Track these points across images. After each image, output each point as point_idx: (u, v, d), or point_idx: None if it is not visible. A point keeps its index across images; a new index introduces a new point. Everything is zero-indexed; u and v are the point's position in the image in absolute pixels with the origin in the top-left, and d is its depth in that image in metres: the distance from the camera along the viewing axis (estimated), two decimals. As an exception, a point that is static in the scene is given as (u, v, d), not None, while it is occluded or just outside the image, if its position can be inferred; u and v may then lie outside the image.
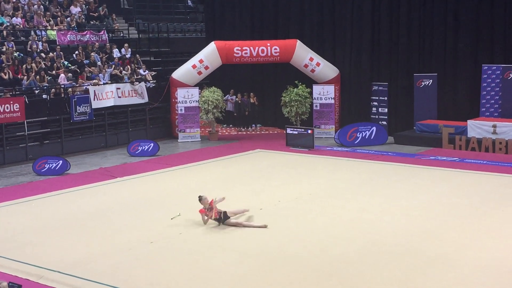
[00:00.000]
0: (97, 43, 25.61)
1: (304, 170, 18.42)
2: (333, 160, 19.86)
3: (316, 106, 24.22)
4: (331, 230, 12.72)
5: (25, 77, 21.76)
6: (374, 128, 22.49)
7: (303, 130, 21.98)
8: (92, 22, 27.30)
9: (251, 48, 24.16)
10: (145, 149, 21.36)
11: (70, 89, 22.17)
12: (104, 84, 23.04)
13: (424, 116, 22.63)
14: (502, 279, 9.98)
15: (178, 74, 24.54)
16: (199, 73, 24.36)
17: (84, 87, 22.43)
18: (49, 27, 25.30)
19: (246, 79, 27.08)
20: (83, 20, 26.73)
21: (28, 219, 14.06)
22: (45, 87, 21.71)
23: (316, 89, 24.18)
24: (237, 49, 24.16)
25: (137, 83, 23.85)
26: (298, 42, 24.38)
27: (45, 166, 18.72)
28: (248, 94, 25.84)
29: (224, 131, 26.18)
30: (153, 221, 13.58)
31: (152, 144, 21.51)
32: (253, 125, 26.28)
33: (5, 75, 21.38)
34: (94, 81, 22.87)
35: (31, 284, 10.28)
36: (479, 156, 19.79)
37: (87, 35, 25.62)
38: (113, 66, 24.48)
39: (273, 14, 26.73)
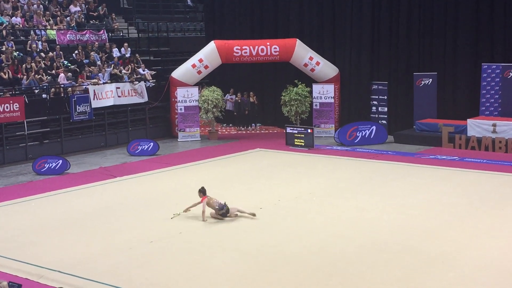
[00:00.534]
0: (96, 43, 25.60)
1: (304, 170, 18.42)
2: (333, 159, 19.86)
3: (316, 105, 24.22)
4: (331, 229, 12.72)
5: (25, 76, 21.75)
6: (374, 127, 22.49)
7: (303, 129, 21.98)
8: (91, 22, 27.29)
9: (251, 47, 24.16)
10: (145, 149, 21.36)
11: (69, 89, 22.17)
12: (103, 83, 23.04)
13: (424, 115, 22.63)
14: (502, 279, 9.99)
15: (178, 73, 24.54)
16: (199, 72, 24.36)
17: (84, 86, 22.42)
18: (48, 27, 25.29)
19: (246, 79, 27.08)
20: (83, 19, 26.72)
21: (28, 218, 14.06)
22: (45, 87, 21.70)
23: (316, 88, 24.17)
24: (236, 49, 24.15)
25: (137, 82, 23.85)
26: (298, 41, 24.37)
27: (45, 165, 18.72)
28: (248, 94, 25.84)
29: (224, 130, 26.18)
30: (153, 221, 13.58)
31: (152, 144, 21.51)
32: (253, 124, 26.27)
33: (5, 75, 21.37)
34: (93, 80, 22.87)
35: (31, 283, 10.28)
36: (479, 155, 19.79)
37: (87, 35, 25.61)
38: (113, 65, 24.47)
39: (272, 14, 26.72)
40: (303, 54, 24.26)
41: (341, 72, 24.79)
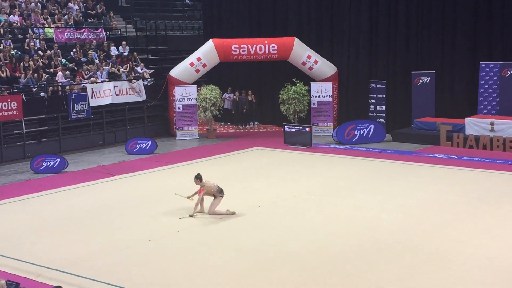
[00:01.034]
0: (94, 41, 25.57)
1: (302, 168, 18.42)
2: (331, 158, 19.86)
3: (314, 103, 24.21)
4: (329, 227, 12.72)
5: (23, 75, 21.71)
6: (372, 125, 22.50)
7: (301, 127, 21.97)
8: (89, 20, 27.25)
9: (249, 45, 24.15)
10: (143, 147, 21.35)
11: (67, 87, 22.14)
12: (101, 82, 23.01)
13: (422, 114, 22.64)
14: (500, 277, 10.00)
15: (176, 72, 24.52)
16: (197, 71, 24.35)
17: (82, 85, 22.40)
18: (46, 25, 25.25)
19: (244, 77, 27.06)
20: (81, 18, 26.69)
21: (26, 217, 14.05)
22: (43, 85, 21.67)
23: (314, 86, 24.17)
24: (235, 47, 24.14)
25: (135, 81, 23.82)
26: (296, 40, 24.37)
27: (43, 164, 18.70)
28: (246, 92, 25.82)
29: (222, 129, 26.16)
30: (151, 219, 13.58)
31: (150, 142, 21.50)
32: (251, 122, 26.26)
33: (3, 73, 21.33)
34: (91, 79, 22.85)
35: (29, 282, 10.27)
36: (477, 153, 19.81)
37: (85, 33, 25.57)
38: (111, 64, 24.44)
39: (271, 12, 26.71)
40: (301, 53, 24.26)
41: (339, 71, 24.79)
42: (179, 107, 24.02)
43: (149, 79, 24.88)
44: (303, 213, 13.76)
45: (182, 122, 24.09)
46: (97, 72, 23.49)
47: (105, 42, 25.90)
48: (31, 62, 22.17)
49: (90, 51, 24.62)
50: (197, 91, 24.24)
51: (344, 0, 24.75)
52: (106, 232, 12.84)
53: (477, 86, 22.00)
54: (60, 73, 22.51)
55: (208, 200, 13.73)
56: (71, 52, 24.52)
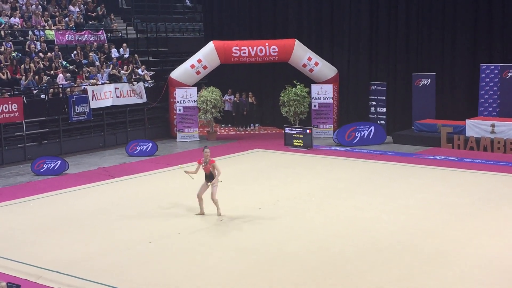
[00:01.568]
0: (95, 43, 25.59)
1: (302, 170, 18.42)
2: (331, 159, 19.87)
3: (314, 105, 24.22)
4: (330, 229, 12.73)
5: (23, 77, 21.73)
6: (373, 127, 22.50)
7: (301, 129, 21.98)
8: (90, 22, 27.28)
9: (250, 47, 24.16)
10: (144, 149, 21.36)
11: (68, 89, 22.16)
12: (102, 84, 23.03)
13: (423, 116, 22.65)
14: (501, 278, 10.00)
15: (177, 74, 24.53)
16: (198, 73, 24.36)
17: (83, 87, 22.42)
18: (47, 27, 25.28)
19: (245, 79, 27.07)
20: (81, 20, 26.72)
21: (27, 219, 14.05)
22: (44, 87, 21.69)
23: (315, 88, 24.18)
24: (235, 49, 24.16)
25: (136, 83, 23.84)
26: (297, 42, 24.38)
27: (44, 166, 18.71)
28: (247, 94, 25.83)
29: (223, 130, 26.16)
30: (151, 221, 13.58)
31: (150, 144, 21.51)
32: (252, 124, 26.27)
33: (4, 75, 21.35)
34: (92, 81, 22.87)
35: (30, 284, 10.28)
36: (478, 155, 19.80)
37: (86, 35, 25.59)
38: (112, 66, 24.46)
39: (271, 14, 26.73)
40: (302, 55, 24.27)
41: (339, 73, 24.80)
42: (179, 109, 24.03)
43: (149, 81, 24.89)
44: (304, 214, 13.76)
45: (183, 124, 24.10)
46: (98, 74, 23.51)
47: (106, 44, 25.92)
48: (32, 64, 22.19)
49: (90, 53, 24.64)
50: (197, 93, 24.25)
51: (344, 2, 24.77)
52: (106, 233, 12.84)
53: (477, 88, 22.01)
54: (61, 75, 22.53)
55: (206, 198, 13.71)
56: (72, 54, 24.54)
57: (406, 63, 23.61)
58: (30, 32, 24.33)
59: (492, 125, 20.54)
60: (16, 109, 20.04)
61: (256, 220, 13.37)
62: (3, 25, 24.12)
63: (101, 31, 26.33)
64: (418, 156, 19.98)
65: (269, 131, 25.90)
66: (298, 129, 22.10)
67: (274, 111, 25.93)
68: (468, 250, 11.26)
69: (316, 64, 24.28)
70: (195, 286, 10.04)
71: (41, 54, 23.36)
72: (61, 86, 22.16)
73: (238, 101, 25.73)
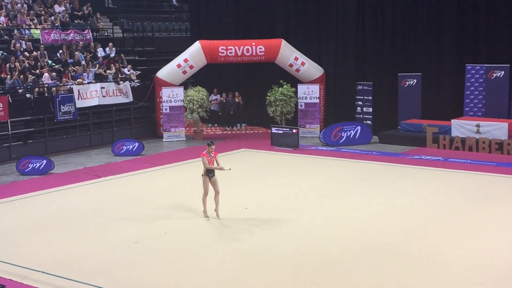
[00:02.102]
0: (81, 42, 25.47)
1: (289, 170, 18.43)
2: (318, 159, 19.90)
3: (301, 105, 24.25)
4: (317, 229, 12.73)
5: (9, 76, 21.58)
6: (359, 127, 22.57)
7: (288, 129, 22.00)
8: (76, 21, 27.14)
9: (236, 47, 24.15)
10: (130, 149, 21.29)
11: (54, 88, 22.03)
12: (88, 83, 22.93)
13: (409, 116, 22.74)
14: (489, 278, 10.05)
15: (163, 73, 24.48)
16: (184, 72, 24.32)
17: (68, 86, 22.31)
18: (32, 26, 25.13)
19: (231, 79, 27.06)
20: (67, 19, 26.58)
21: (12, 219, 13.96)
22: (29, 87, 21.55)
23: (301, 88, 24.21)
24: (222, 49, 24.14)
25: (122, 82, 23.76)
26: (283, 42, 24.40)
27: (29, 165, 18.60)
28: (233, 94, 25.81)
29: (209, 130, 26.14)
30: (138, 221, 13.53)
31: (136, 144, 21.44)
32: (238, 124, 26.26)
33: (-12, 74, 21.22)
34: (78, 80, 22.76)
35: (15, 284, 10.21)
36: (463, 155, 19.92)
37: (71, 34, 25.47)
38: (98, 65, 24.36)
39: (258, 14, 26.73)
40: (289, 55, 24.29)
41: (326, 73, 24.84)
42: (166, 109, 23.98)
43: (136, 81, 24.81)
44: (290, 214, 13.76)
45: (169, 123, 24.05)
46: (84, 74, 23.40)
47: (92, 43, 25.81)
48: (17, 63, 22.05)
49: (76, 52, 24.52)
50: (184, 93, 24.21)
51: (331, 2, 24.82)
52: (93, 234, 12.78)
53: (463, 88, 22.14)
54: (46, 74, 22.40)
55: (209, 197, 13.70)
56: (58, 53, 24.40)
57: (392, 64, 23.70)
58: (16, 31, 24.17)
59: (477, 125, 20.67)
60: (1, 109, 19.89)
61: (244, 220, 13.36)
62: (-12, 23, 23.97)
63: (87, 30, 26.22)
64: (404, 156, 20.06)
65: (255, 131, 25.91)
66: (285, 129, 22.11)
67: (260, 111, 25.93)
68: (458, 250, 11.29)
69: (303, 64, 24.31)
70: (182, 286, 10.02)
71: (26, 53, 23.21)
72: (46, 85, 22.04)
73: (224, 101, 25.71)
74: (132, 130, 24.24)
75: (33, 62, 22.97)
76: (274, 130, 22.25)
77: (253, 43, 24.27)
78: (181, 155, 21.05)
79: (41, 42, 24.33)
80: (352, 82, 24.46)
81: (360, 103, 24.32)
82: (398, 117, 22.99)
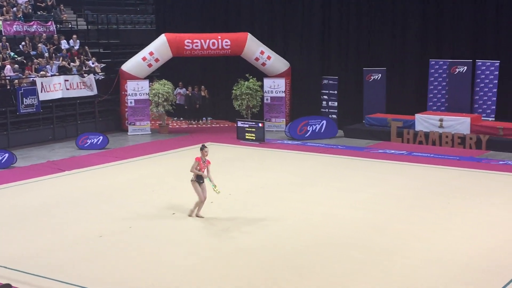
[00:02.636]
0: (44, 34, 25.12)
1: (254, 163, 18.45)
2: (283, 153, 19.96)
3: (267, 99, 24.28)
4: (282, 222, 12.78)
5: (-30, 68, 21.21)
6: (324, 121, 22.68)
7: (254, 123, 22.02)
8: (39, 13, 26.74)
9: (202, 40, 24.06)
10: (94, 142, 21.10)
11: (16, 81, 21.69)
12: (51, 76, 22.64)
13: (373, 110, 22.93)
14: (448, 271, 10.20)
15: (128, 66, 24.28)
16: (149, 65, 24.15)
17: (31, 79, 21.99)
18: (-6, 17, 24.72)
19: (197, 72, 26.96)
20: (30, 10, 26.17)
21: (-27, 213, 13.74)
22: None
23: (267, 82, 24.24)
24: (187, 42, 24.02)
25: (86, 75, 23.51)
26: (249, 35, 24.38)
27: (-9, 159, 18.32)
28: (199, 87, 25.73)
29: (175, 124, 26.03)
30: (102, 215, 13.43)
31: (101, 137, 21.25)
32: (204, 118, 26.19)
33: (-52, 66, 20.80)
34: (41, 72, 22.44)
35: (-24, 280, 10.06)
36: (427, 149, 20.16)
37: (34, 26, 25.10)
38: (61, 57, 24.05)
39: (224, 7, 26.67)
40: (255, 48, 24.28)
41: (292, 67, 24.90)
42: (131, 102, 23.79)
43: (100, 73, 24.57)
44: (256, 208, 13.78)
45: (134, 117, 23.88)
46: (47, 66, 23.08)
47: (55, 35, 25.47)
48: (-22, 55, 21.67)
49: (39, 45, 24.18)
50: (149, 86, 24.05)
51: (297, -4, 24.90)
52: (56, 228, 12.64)
53: (427, 83, 22.41)
54: (8, 66, 22.04)
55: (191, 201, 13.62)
56: (20, 45, 24.03)
57: (357, 58, 23.86)
58: (-23, 22, 23.76)
59: (441, 120, 20.93)
60: (-38, 101, 19.56)
61: (209, 214, 13.33)
62: None
63: (50, 22, 25.86)
64: (368, 150, 20.24)
65: (221, 125, 25.87)
66: (251, 123, 22.13)
67: (226, 105, 25.88)
68: (418, 243, 11.45)
69: (269, 57, 24.33)
70: (146, 281, 9.97)
71: (-12, 45, 22.82)
72: (8, 77, 21.69)
73: (190, 94, 25.61)
74: (96, 123, 24.01)
75: (-5, 54, 22.60)
76: (240, 124, 22.25)
77: (219, 37, 24.21)
78: (146, 149, 20.93)
79: (3, 34, 23.92)
80: (318, 76, 24.56)
81: (325, 97, 24.44)
82: (363, 112, 23.16)
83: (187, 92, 25.66)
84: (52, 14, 27.17)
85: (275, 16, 25.51)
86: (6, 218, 13.37)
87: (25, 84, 21.69)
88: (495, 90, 21.29)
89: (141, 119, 23.94)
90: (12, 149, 20.18)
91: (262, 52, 24.29)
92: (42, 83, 21.80)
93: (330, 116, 23.89)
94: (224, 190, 15.17)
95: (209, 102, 26.05)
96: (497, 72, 21.22)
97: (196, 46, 24.03)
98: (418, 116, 21.38)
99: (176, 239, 11.87)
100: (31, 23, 25.08)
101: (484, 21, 21.52)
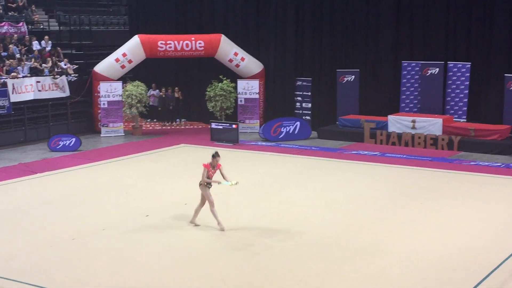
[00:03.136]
0: (15, 35, 24.82)
1: (229, 165, 18.38)
2: (257, 154, 19.97)
3: (240, 101, 24.28)
4: (256, 223, 12.79)
5: None
6: (298, 123, 22.75)
7: (227, 124, 22.00)
8: (10, 13, 26.43)
9: (176, 42, 23.98)
10: (67, 144, 20.91)
11: (-13, 82, 21.46)
12: (23, 77, 22.39)
13: (347, 111, 23.04)
14: (421, 269, 10.29)
15: (101, 67, 24.11)
16: (123, 66, 24.00)
17: (2, 80, 21.72)
18: (-36, 18, 24.40)
19: (171, 74, 26.87)
20: (1, 11, 25.86)
21: None
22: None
23: (241, 84, 24.24)
24: (161, 43, 23.92)
25: (58, 76, 23.30)
26: (223, 37, 24.36)
27: (-39, 161, 18.06)
28: (173, 89, 25.64)
29: (148, 125, 25.91)
30: (75, 217, 13.32)
31: (73, 139, 21.07)
32: (178, 119, 26.10)
33: None
34: (12, 74, 22.19)
35: None
36: (399, 150, 20.32)
37: (5, 27, 24.80)
38: (33, 58, 23.80)
39: (197, 8, 26.62)
40: (228, 50, 24.27)
41: (266, 68, 24.94)
42: (104, 104, 23.63)
43: (73, 75, 24.36)
44: (230, 209, 13.76)
45: (107, 118, 23.72)
46: (18, 67, 22.82)
47: (27, 36, 25.20)
48: None
49: (11, 46, 23.88)
50: (122, 88, 23.91)
51: (270, -2, 24.95)
52: (28, 231, 12.50)
53: (399, 85, 22.59)
54: (-21, 67, 21.78)
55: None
56: (-9, 46, 23.76)
57: (331, 60, 23.96)
58: None
59: (413, 121, 21.10)
60: None
61: (183, 216, 13.29)
62: None
63: (21, 22, 25.57)
64: (342, 151, 20.33)
65: (195, 126, 25.80)
66: (225, 124, 22.10)
67: (200, 106, 25.83)
68: (392, 243, 11.53)
69: (243, 59, 24.34)
70: (119, 282, 9.91)
71: (-43, 46, 22.51)
72: (-21, 79, 21.43)
73: (164, 96, 25.51)
74: (69, 125, 23.79)
75: (-35, 55, 22.30)
76: (213, 125, 22.21)
77: (193, 38, 24.15)
78: (120, 150, 20.80)
79: (-27, 35, 23.65)
80: (292, 77, 24.63)
81: (299, 98, 24.51)
82: (336, 113, 23.27)
83: (161, 93, 25.55)
84: (24, 15, 26.88)
85: (249, 17, 25.53)
86: (-23, 221, 13.20)
87: (-4, 86, 21.46)
88: (467, 91, 21.53)
89: (114, 120, 23.79)
90: (-17, 151, 19.95)
91: (236, 54, 24.29)
92: (13, 84, 21.56)
93: (304, 117, 23.96)
94: (198, 191, 15.11)
95: (182, 103, 25.97)
96: (468, 74, 21.46)
97: (170, 47, 23.95)
98: (391, 118, 21.54)
99: (149, 241, 11.81)
100: (2, 24, 24.77)
101: (455, 24, 21.76)
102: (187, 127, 25.74)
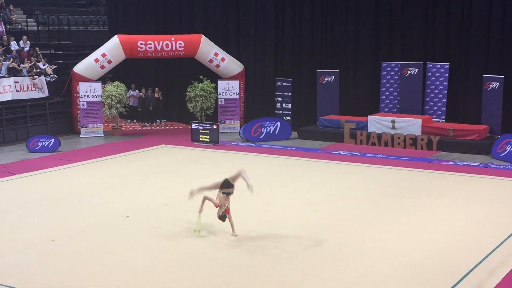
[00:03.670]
0: (-7, 35, 24.63)
1: (209, 166, 18.40)
2: (238, 155, 19.95)
3: (221, 101, 24.25)
4: (236, 224, 12.72)
5: None
6: (279, 123, 22.77)
7: (208, 125, 21.96)
8: (-13, 13, 26.23)
9: (155, 42, 23.90)
10: (46, 145, 20.75)
11: (-36, 83, 21.23)
12: (1, 77, 22.18)
13: (327, 112, 23.11)
14: (401, 269, 10.33)
15: (80, 68, 23.95)
16: (102, 67, 23.87)
17: (-20, 80, 21.54)
18: None
19: (151, 74, 26.77)
20: (-22, 10, 25.65)
21: None
22: None
23: (221, 84, 24.21)
24: (141, 43, 23.82)
25: (37, 76, 23.11)
26: (203, 37, 24.32)
27: None
28: (153, 89, 25.54)
29: (128, 126, 25.79)
30: (54, 219, 13.21)
31: (52, 140, 20.91)
32: (158, 120, 26.01)
33: None
34: (-10, 74, 22.00)
35: None
36: (379, 150, 20.41)
37: (-17, 26, 24.59)
38: (11, 59, 23.59)
39: (177, 8, 26.55)
40: (208, 50, 24.23)
41: (246, 69, 24.94)
42: (83, 104, 23.48)
43: (51, 75, 24.18)
44: (212, 210, 13.70)
45: (87, 119, 23.57)
46: (-4, 67, 22.64)
47: (5, 36, 24.95)
48: None
49: (-12, 45, 23.69)
50: (102, 88, 23.77)
51: (250, -2, 24.96)
52: (7, 232, 12.38)
53: (379, 85, 22.71)
54: (-44, 67, 21.54)
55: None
56: (-32, 46, 23.51)
57: (310, 60, 24.02)
58: None
59: (393, 121, 21.21)
60: None
61: (163, 216, 13.25)
62: None
63: (-1, 22, 25.37)
64: (322, 151, 20.38)
65: (175, 127, 25.73)
66: (205, 125, 22.06)
67: (180, 107, 25.78)
68: (371, 243, 11.57)
69: (223, 59, 24.31)
70: (99, 285, 9.84)
71: None
72: (-44, 79, 21.20)
73: (144, 96, 25.41)
74: (48, 126, 23.61)
75: None
76: (194, 125, 22.16)
77: (173, 38, 24.09)
78: (99, 151, 20.68)
79: (-50, 34, 23.38)
80: (272, 78, 24.66)
81: (279, 99, 24.55)
82: (316, 113, 23.32)
83: (141, 94, 25.45)
84: (1, 14, 26.63)
85: (229, 18, 25.51)
86: (-46, 223, 13.05)
87: (-27, 86, 21.24)
88: (445, 92, 21.70)
89: (94, 121, 23.65)
90: (-40, 152, 19.73)
91: (216, 54, 24.26)
92: (-9, 85, 21.38)
93: (284, 117, 23.99)
94: (178, 192, 15.10)
95: (162, 104, 25.90)
96: (447, 74, 21.62)
97: (150, 47, 23.86)
98: (370, 118, 21.64)
99: (129, 242, 11.74)
100: (-20, 24, 24.57)
101: (434, 25, 21.91)
102: (167, 127, 25.66)
